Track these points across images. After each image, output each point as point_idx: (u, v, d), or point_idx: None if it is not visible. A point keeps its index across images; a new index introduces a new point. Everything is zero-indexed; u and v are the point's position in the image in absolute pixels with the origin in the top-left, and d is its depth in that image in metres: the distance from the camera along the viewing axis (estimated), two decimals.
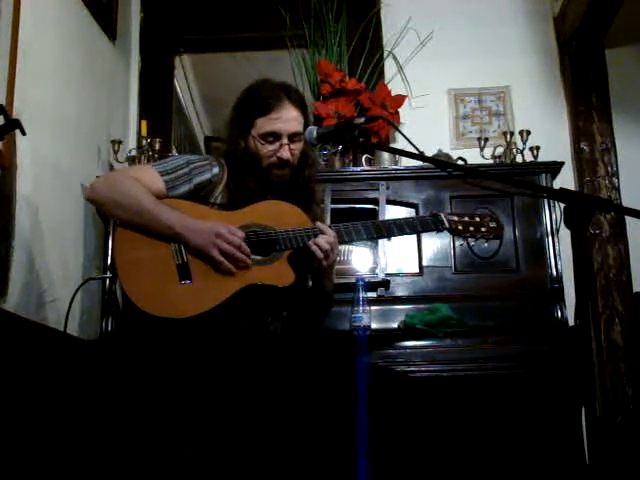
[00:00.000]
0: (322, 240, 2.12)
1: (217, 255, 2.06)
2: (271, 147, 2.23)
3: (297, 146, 2.25)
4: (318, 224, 2.17)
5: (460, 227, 2.24)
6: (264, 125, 2.23)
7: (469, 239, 2.25)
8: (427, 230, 2.29)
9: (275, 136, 2.23)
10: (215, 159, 2.31)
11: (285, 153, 2.23)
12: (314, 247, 2.11)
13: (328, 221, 2.78)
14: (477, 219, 2.27)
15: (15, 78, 2.34)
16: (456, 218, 2.25)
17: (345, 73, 3.55)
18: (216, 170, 2.26)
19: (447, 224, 2.23)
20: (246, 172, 2.24)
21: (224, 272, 2.07)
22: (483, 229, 2.24)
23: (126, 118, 3.60)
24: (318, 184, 2.41)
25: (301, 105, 2.28)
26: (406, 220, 2.27)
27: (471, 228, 2.24)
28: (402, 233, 2.26)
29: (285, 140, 2.23)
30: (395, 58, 3.66)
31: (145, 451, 2.31)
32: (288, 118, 2.23)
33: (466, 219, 2.26)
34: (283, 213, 2.18)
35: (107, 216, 2.78)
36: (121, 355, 2.60)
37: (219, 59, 4.39)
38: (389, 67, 3.67)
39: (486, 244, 2.29)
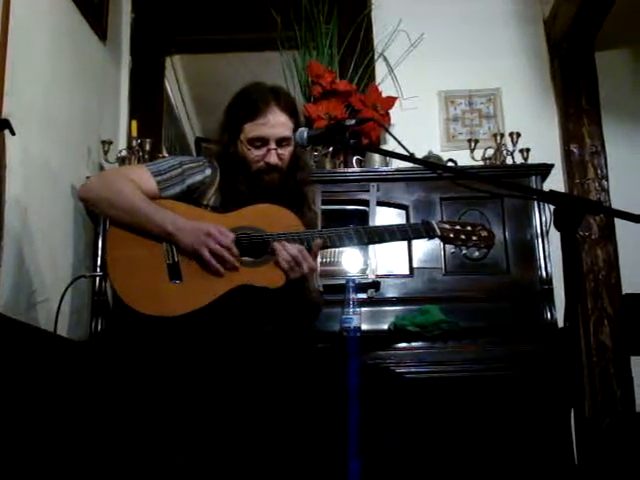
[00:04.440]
0: (285, 253, 2.09)
1: (206, 254, 2.06)
2: (259, 152, 2.23)
3: (286, 150, 2.24)
4: (275, 244, 2.11)
5: (451, 235, 2.22)
6: (251, 130, 2.22)
7: (460, 247, 2.24)
8: (418, 237, 2.28)
9: (262, 141, 2.22)
10: (208, 161, 2.30)
11: (273, 158, 2.22)
12: (280, 260, 2.09)
13: (320, 224, 2.77)
14: (469, 228, 2.25)
15: (5, 78, 2.33)
16: (448, 226, 2.24)
17: (336, 74, 3.55)
18: (209, 172, 2.26)
19: (439, 232, 2.22)
20: (237, 176, 2.24)
21: (213, 272, 2.07)
22: (474, 238, 2.23)
23: (116, 118, 3.59)
24: (311, 187, 2.40)
25: (290, 109, 2.26)
26: (398, 227, 2.26)
27: (462, 236, 2.23)
28: (393, 239, 2.24)
29: (273, 145, 2.22)
30: (386, 60, 3.67)
31: (136, 451, 2.31)
32: (275, 123, 2.22)
33: (458, 227, 2.24)
34: (275, 216, 2.18)
35: (100, 215, 2.79)
36: (111, 356, 2.60)
37: (210, 60, 4.38)
38: (380, 69, 3.68)
39: (477, 253, 2.29)
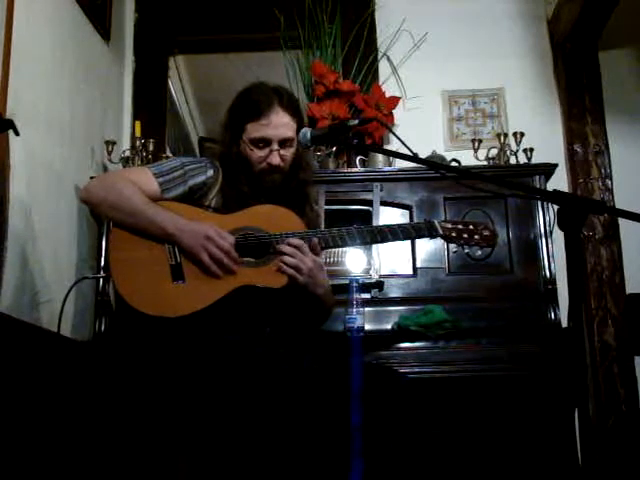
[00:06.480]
0: (287, 258, 2.09)
1: (205, 258, 2.06)
2: (261, 153, 2.23)
3: (288, 151, 2.24)
4: (280, 246, 2.12)
5: (454, 234, 2.22)
6: (254, 131, 2.22)
7: (463, 246, 2.24)
8: (421, 237, 2.29)
9: (265, 142, 2.22)
10: (210, 161, 2.31)
11: (275, 159, 2.22)
12: (283, 267, 2.09)
13: (322, 224, 2.77)
14: (471, 227, 2.25)
15: (8, 78, 2.33)
16: (450, 225, 2.24)
17: (339, 74, 3.55)
18: (211, 172, 2.27)
19: (441, 231, 2.22)
20: (239, 176, 2.24)
21: (212, 275, 2.07)
22: (477, 237, 2.23)
23: (120, 119, 3.59)
24: (313, 187, 2.40)
25: (293, 110, 2.26)
26: (400, 226, 2.26)
27: (465, 235, 2.23)
28: (396, 239, 2.24)
29: (275, 146, 2.22)
30: (389, 59, 3.67)
31: (138, 453, 2.31)
32: (278, 124, 2.22)
33: (460, 227, 2.24)
34: (277, 217, 2.18)
35: (102, 217, 2.79)
36: (114, 356, 2.60)
37: (213, 60, 4.39)
38: (383, 68, 3.67)
39: (479, 252, 2.28)
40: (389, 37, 3.67)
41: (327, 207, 2.98)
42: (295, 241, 2.12)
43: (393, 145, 3.51)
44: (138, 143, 3.23)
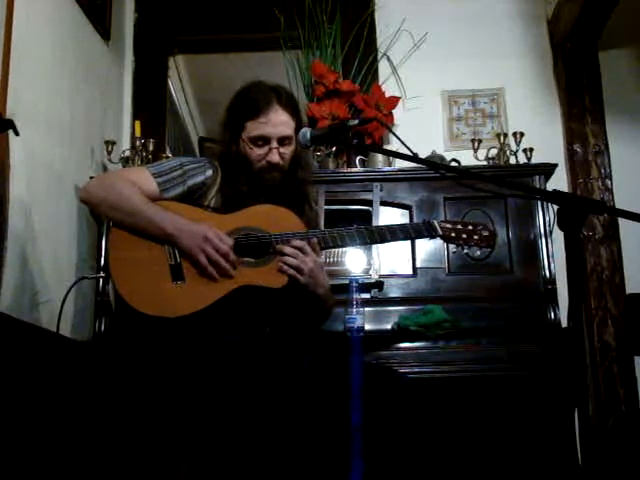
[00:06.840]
0: (288, 259, 2.10)
1: (203, 260, 2.07)
2: (260, 151, 2.23)
3: (287, 149, 2.25)
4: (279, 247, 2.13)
5: (453, 235, 2.23)
6: (253, 129, 2.23)
7: (462, 246, 2.25)
8: (420, 237, 2.29)
9: (264, 140, 2.23)
10: (209, 161, 2.31)
11: (274, 157, 2.22)
12: (284, 267, 2.10)
13: (322, 223, 2.77)
14: (470, 227, 2.26)
15: (8, 78, 2.33)
16: (449, 226, 2.24)
17: (339, 74, 3.55)
18: (210, 172, 2.27)
19: (440, 231, 2.23)
20: (238, 175, 2.24)
21: (208, 277, 2.07)
22: (476, 237, 2.24)
23: (120, 119, 3.59)
24: (312, 186, 2.41)
25: (292, 108, 2.27)
26: (399, 227, 2.26)
27: (464, 236, 2.24)
28: (395, 239, 2.25)
29: (274, 144, 2.22)
30: (389, 59, 3.67)
31: (137, 453, 2.31)
32: (277, 122, 2.22)
33: (459, 227, 2.25)
34: (276, 216, 2.18)
35: (101, 217, 2.79)
36: (114, 357, 2.60)
37: (213, 60, 4.40)
38: (383, 68, 3.67)
39: (478, 252, 2.29)
40: (389, 37, 3.67)
41: (327, 207, 2.98)
42: (297, 242, 2.12)
43: (393, 145, 3.50)
44: (138, 143, 3.23)
